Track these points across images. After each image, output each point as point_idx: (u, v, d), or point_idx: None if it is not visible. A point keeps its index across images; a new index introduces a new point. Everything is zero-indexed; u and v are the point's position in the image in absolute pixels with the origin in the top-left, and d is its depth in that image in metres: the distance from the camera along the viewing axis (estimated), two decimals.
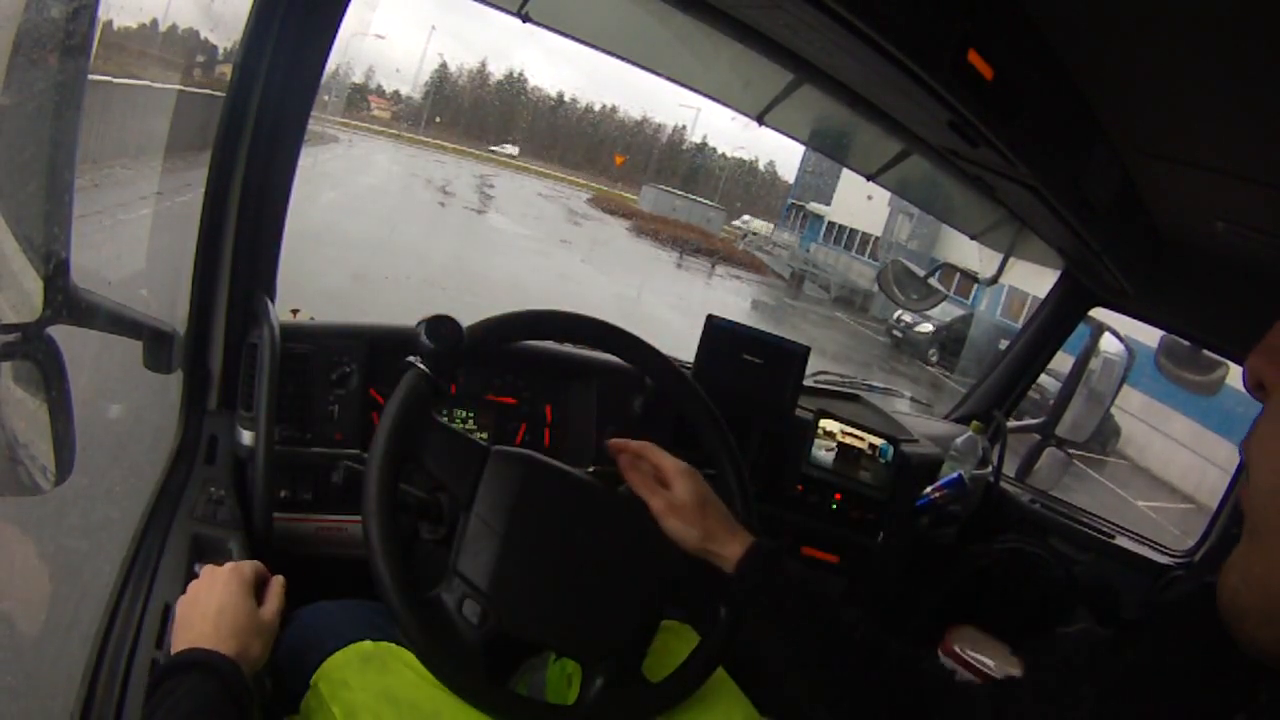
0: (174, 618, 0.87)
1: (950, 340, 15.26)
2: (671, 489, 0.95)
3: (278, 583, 0.87)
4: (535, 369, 1.42)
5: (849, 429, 1.63)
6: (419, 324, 0.89)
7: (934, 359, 15.28)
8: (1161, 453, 12.44)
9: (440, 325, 0.89)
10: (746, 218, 43.39)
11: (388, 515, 0.82)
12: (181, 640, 0.77)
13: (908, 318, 15.12)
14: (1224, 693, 0.50)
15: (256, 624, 0.80)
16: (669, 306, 13.28)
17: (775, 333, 1.59)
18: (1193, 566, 1.90)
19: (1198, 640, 0.53)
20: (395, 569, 0.80)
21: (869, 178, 1.68)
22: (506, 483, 0.88)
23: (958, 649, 1.48)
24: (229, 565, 0.84)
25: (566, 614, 0.88)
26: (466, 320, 0.97)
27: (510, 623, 0.85)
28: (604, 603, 0.90)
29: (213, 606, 0.79)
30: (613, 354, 1.10)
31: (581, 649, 0.89)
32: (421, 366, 0.89)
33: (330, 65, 1.11)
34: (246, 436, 1.11)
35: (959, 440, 1.79)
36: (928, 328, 15.10)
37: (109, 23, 1.05)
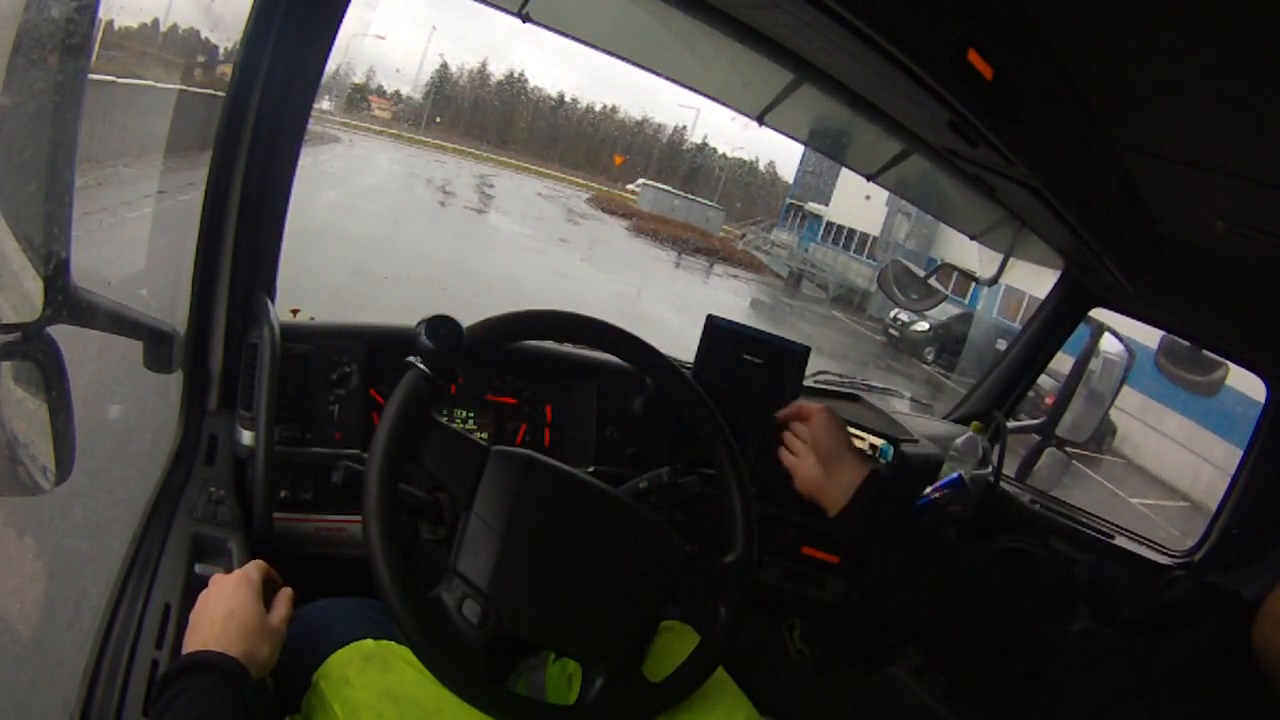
0: (174, 619, 0.88)
1: (946, 339, 15.30)
2: (813, 446, 1.07)
3: (286, 593, 0.87)
4: (535, 369, 1.42)
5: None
6: (419, 324, 0.89)
7: (930, 358, 15.31)
8: (1158, 451, 12.47)
9: (440, 325, 0.89)
10: (643, 181, 43.90)
11: (388, 515, 0.82)
12: (192, 643, 0.79)
13: (904, 316, 15.15)
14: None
15: (265, 628, 0.81)
16: (667, 305, 13.29)
17: (773, 331, 1.59)
18: (1193, 566, 1.90)
19: (1226, 665, 0.53)
20: (395, 569, 0.80)
21: (869, 178, 1.68)
22: (506, 483, 0.88)
23: None
24: (238, 570, 0.85)
25: (567, 614, 0.88)
26: (466, 320, 0.97)
27: (510, 622, 0.85)
28: (604, 602, 0.90)
29: (221, 610, 0.80)
30: (612, 354, 1.10)
31: (582, 649, 0.89)
32: (421, 367, 0.89)
33: (330, 65, 1.11)
34: (246, 436, 1.11)
35: (959, 440, 1.79)
36: (924, 326, 15.13)
37: (110, 23, 1.05)
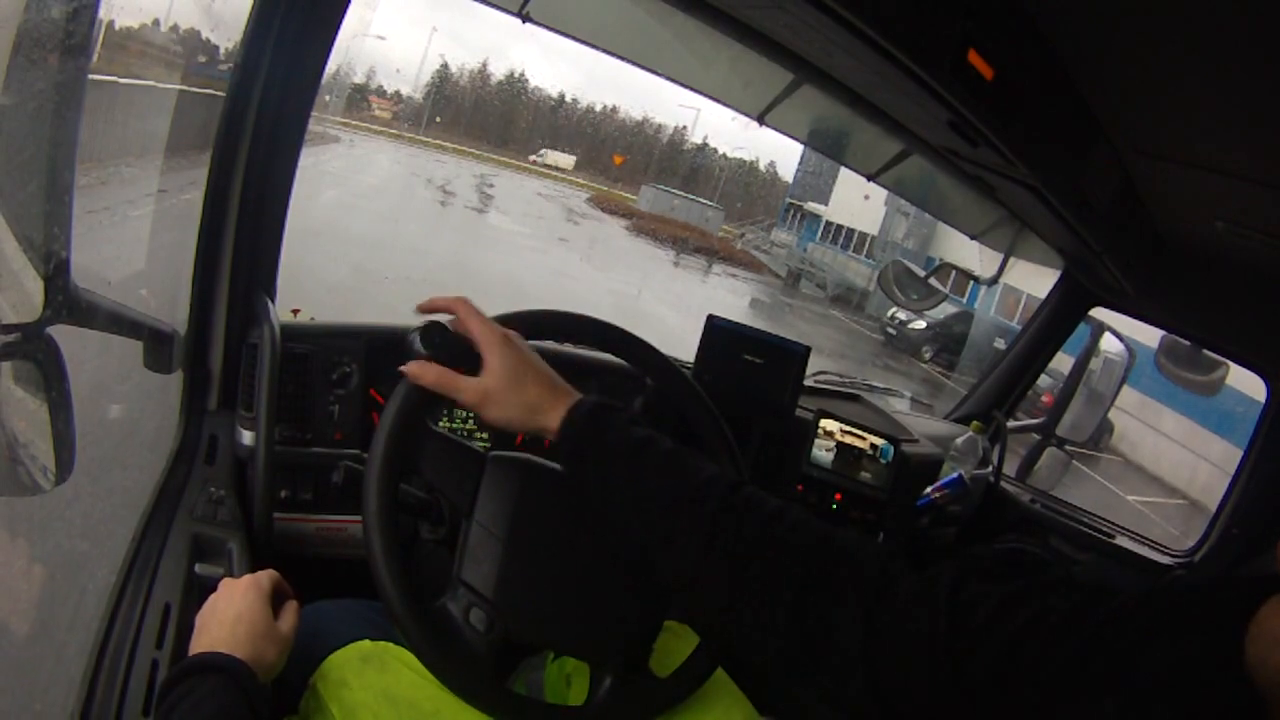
0: (174, 619, 0.88)
1: (943, 337, 15.35)
2: (485, 368, 0.83)
3: (293, 604, 0.88)
4: None
5: (849, 429, 1.63)
6: (412, 332, 0.89)
7: (927, 356, 15.37)
8: (1155, 449, 12.49)
9: (433, 332, 0.89)
10: (544, 151, 45.31)
11: (389, 528, 0.81)
12: (199, 644, 0.79)
13: (902, 315, 15.19)
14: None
15: (273, 633, 0.81)
16: (665, 304, 13.30)
17: (772, 329, 1.59)
18: (1193, 566, 1.90)
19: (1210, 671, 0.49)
20: (399, 582, 0.80)
21: (869, 178, 1.68)
22: (505, 489, 0.88)
23: None
24: (248, 577, 0.85)
25: (572, 616, 0.88)
26: None
27: (517, 628, 0.85)
28: (609, 603, 0.90)
29: (230, 614, 0.80)
30: (612, 354, 1.10)
31: (589, 650, 0.89)
32: None
33: (330, 66, 1.11)
34: (246, 436, 1.11)
35: (959, 440, 1.79)
36: (921, 325, 15.18)
37: (110, 23, 1.05)
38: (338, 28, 1.07)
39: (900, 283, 1.95)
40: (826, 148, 1.80)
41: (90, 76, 0.70)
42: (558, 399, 0.83)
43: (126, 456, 1.18)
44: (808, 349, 1.57)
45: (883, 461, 1.63)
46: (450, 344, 0.89)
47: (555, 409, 0.82)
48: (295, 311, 1.35)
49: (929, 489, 1.67)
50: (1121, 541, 1.93)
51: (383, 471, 0.82)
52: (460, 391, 0.84)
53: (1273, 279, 1.41)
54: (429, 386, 0.84)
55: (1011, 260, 1.95)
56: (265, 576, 0.86)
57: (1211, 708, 0.48)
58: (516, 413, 0.82)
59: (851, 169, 1.72)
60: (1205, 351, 1.88)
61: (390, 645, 0.90)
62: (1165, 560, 1.92)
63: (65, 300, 0.74)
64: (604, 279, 14.51)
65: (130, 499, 1.04)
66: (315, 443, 1.22)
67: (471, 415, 1.38)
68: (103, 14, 0.72)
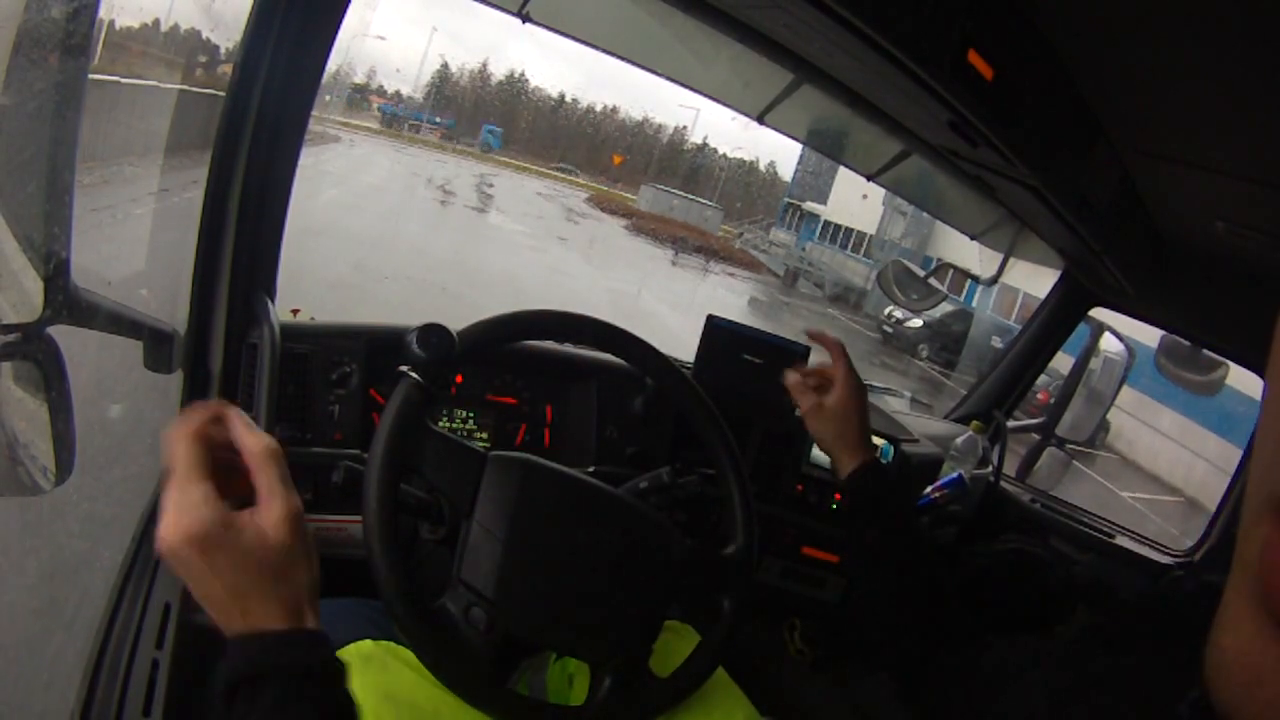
0: (174, 619, 0.88)
1: (940, 335, 15.41)
2: (830, 394, 1.13)
3: (258, 453, 0.66)
4: (535, 369, 1.42)
5: None
6: (410, 333, 0.89)
7: (924, 354, 15.42)
8: (1151, 447, 12.53)
9: (430, 334, 0.89)
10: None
11: (389, 530, 0.81)
12: (230, 625, 0.60)
13: (898, 314, 15.24)
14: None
15: (273, 554, 0.61)
16: (664, 303, 13.29)
17: (769, 328, 1.59)
18: (1193, 566, 1.91)
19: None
20: (399, 582, 0.80)
21: (869, 178, 1.68)
22: (505, 488, 0.88)
23: None
24: (173, 475, 0.63)
25: (572, 616, 0.88)
26: (466, 318, 0.97)
27: (516, 628, 0.85)
28: (609, 603, 0.90)
29: (219, 585, 0.60)
30: (612, 354, 1.10)
31: (589, 650, 0.89)
32: (414, 376, 0.88)
33: (331, 66, 1.11)
34: None
35: (959, 440, 1.79)
36: (918, 323, 15.24)
37: (110, 23, 1.05)
38: (338, 28, 1.07)
39: (900, 282, 1.95)
40: (826, 148, 1.80)
41: (91, 76, 0.70)
42: (858, 451, 1.13)
43: (126, 456, 1.18)
44: (808, 349, 1.57)
45: (883, 461, 1.63)
46: (447, 346, 0.89)
47: (852, 458, 1.12)
48: (295, 311, 1.35)
49: (929, 489, 1.67)
50: (1121, 541, 1.93)
51: (383, 471, 0.82)
52: (804, 396, 1.14)
53: (1273, 279, 1.41)
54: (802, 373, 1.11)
55: (1010, 260, 1.95)
56: (182, 444, 0.63)
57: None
58: (829, 435, 1.15)
59: (851, 169, 1.72)
60: (1205, 351, 1.88)
61: (391, 645, 0.89)
62: (1165, 560, 1.93)
63: (65, 300, 0.74)
64: (603, 278, 14.53)
65: (130, 499, 1.04)
66: (315, 443, 1.22)
67: (471, 416, 1.38)
68: (103, 14, 0.72)
